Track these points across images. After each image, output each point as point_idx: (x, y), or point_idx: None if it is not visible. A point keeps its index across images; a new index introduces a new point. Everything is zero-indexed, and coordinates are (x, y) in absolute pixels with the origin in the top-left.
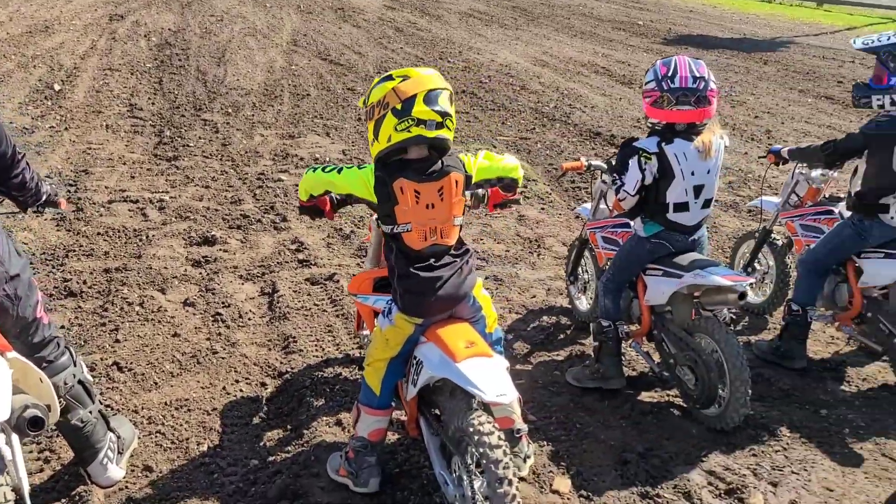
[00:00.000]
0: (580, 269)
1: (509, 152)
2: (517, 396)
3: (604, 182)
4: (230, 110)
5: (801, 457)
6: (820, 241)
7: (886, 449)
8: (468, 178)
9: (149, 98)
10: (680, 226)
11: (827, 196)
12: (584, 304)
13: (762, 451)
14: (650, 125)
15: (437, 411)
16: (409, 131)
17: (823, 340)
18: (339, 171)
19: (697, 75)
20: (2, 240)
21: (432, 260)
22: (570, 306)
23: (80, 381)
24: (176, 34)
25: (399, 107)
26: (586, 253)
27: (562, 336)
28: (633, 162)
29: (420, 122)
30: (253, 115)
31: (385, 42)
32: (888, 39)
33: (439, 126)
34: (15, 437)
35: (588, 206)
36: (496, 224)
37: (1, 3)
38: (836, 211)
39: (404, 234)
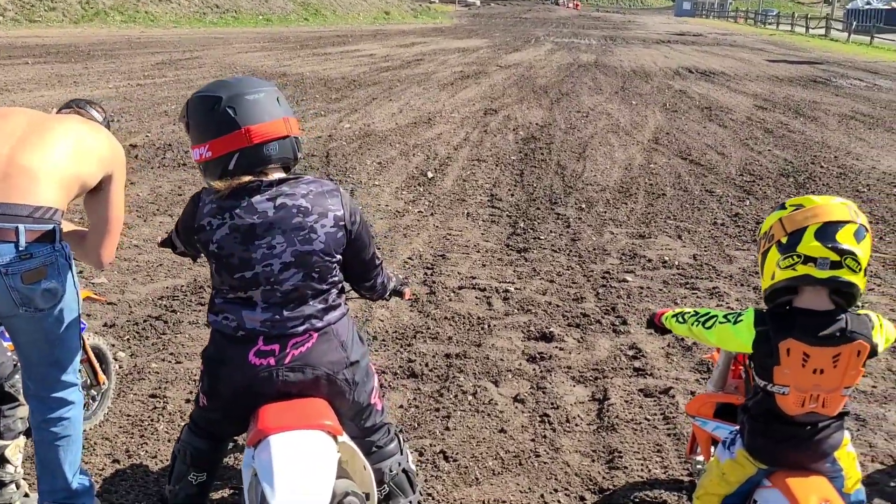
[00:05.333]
0: None
1: (887, 271)
2: None
3: None
4: (583, 206)
5: None
6: None
7: None
8: (874, 347)
9: (509, 189)
10: None
11: None
12: None
13: None
14: None
15: None
16: (793, 269)
17: None
18: (708, 324)
19: None
20: (348, 326)
21: (803, 427)
22: None
23: (404, 470)
24: (542, 129)
25: (784, 240)
26: None
27: None
28: None
29: (808, 259)
30: (605, 212)
31: (751, 143)
32: None
33: (835, 265)
34: None
35: None
36: None
37: (394, 96)
38: None
39: (777, 396)
